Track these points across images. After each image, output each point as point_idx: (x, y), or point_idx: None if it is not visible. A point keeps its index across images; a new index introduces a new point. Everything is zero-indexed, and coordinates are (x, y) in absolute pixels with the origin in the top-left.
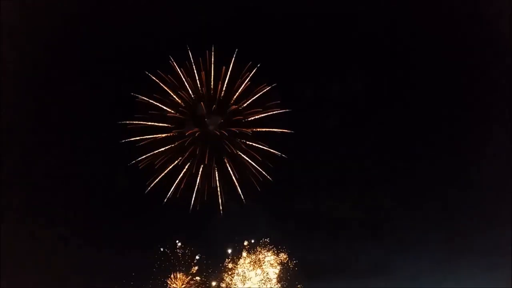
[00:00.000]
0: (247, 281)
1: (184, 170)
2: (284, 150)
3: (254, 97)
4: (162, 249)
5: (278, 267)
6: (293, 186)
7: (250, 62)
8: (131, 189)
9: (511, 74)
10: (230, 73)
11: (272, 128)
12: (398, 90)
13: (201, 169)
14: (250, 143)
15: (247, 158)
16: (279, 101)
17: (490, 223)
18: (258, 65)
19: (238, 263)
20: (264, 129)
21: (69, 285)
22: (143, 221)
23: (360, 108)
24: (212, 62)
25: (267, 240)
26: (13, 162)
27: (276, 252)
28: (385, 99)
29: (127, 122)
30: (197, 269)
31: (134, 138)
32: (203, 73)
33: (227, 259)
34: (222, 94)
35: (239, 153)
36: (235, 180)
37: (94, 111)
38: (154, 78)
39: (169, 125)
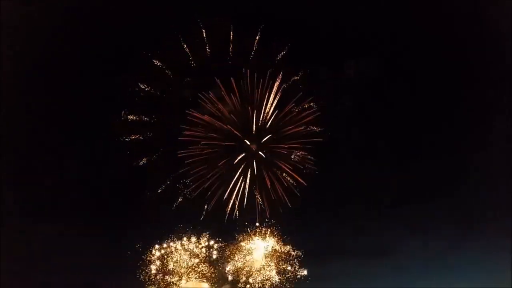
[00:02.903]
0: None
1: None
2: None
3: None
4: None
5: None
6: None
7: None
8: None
9: (511, 74)
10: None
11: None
12: (398, 90)
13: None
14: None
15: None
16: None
17: (490, 223)
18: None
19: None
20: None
21: (68, 284)
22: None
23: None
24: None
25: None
26: (13, 162)
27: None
28: (384, 98)
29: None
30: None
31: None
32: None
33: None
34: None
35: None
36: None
37: (95, 110)
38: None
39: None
